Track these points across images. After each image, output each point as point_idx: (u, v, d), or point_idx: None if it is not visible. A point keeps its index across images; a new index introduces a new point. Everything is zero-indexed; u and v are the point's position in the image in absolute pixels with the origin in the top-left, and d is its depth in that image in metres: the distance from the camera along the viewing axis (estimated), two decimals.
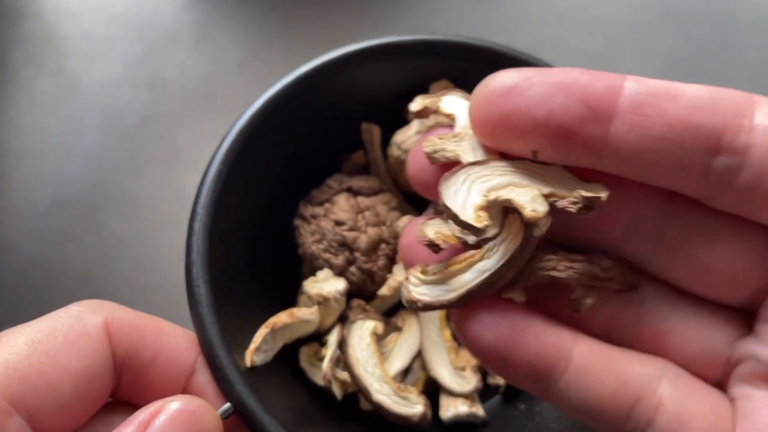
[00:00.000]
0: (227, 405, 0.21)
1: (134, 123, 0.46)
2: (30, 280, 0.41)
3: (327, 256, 0.29)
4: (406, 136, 0.31)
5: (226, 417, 0.21)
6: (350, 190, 0.31)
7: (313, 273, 0.30)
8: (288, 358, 0.29)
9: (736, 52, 0.47)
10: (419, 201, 0.34)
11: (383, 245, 0.30)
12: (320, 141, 0.31)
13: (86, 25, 0.50)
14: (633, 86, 0.15)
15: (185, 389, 0.21)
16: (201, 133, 0.45)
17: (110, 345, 0.19)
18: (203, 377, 0.22)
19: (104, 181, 0.44)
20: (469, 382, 0.29)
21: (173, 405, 0.18)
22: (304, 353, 0.30)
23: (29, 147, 0.45)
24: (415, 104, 0.18)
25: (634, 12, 0.49)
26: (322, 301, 0.28)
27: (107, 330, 0.19)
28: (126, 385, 0.20)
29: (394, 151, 0.31)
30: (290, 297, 0.33)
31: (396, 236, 0.30)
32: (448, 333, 0.30)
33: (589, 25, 0.49)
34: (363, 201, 0.31)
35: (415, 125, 0.31)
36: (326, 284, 0.29)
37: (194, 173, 0.45)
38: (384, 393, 0.26)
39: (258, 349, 0.25)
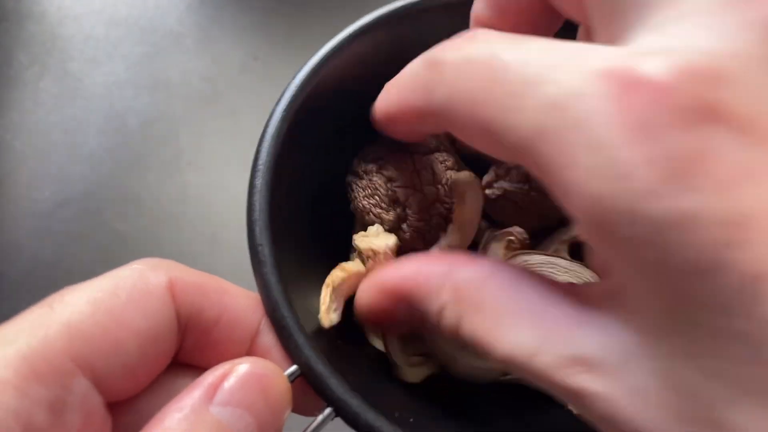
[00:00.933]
0: (294, 367, 0.20)
1: (137, 124, 0.46)
2: (33, 280, 0.41)
3: (378, 211, 0.28)
4: None
5: (292, 380, 0.20)
6: (405, 148, 0.30)
7: (364, 229, 0.29)
8: (348, 321, 0.29)
9: None
10: (477, 161, 0.33)
11: (437, 204, 0.29)
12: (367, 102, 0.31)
13: (89, 26, 0.51)
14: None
15: (250, 351, 0.21)
16: (203, 134, 0.46)
17: (174, 304, 0.19)
18: (268, 339, 0.21)
19: (107, 181, 0.44)
20: None
21: (242, 367, 0.17)
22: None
23: (33, 148, 0.46)
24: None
25: None
26: (372, 256, 0.28)
27: (170, 289, 0.19)
28: (190, 347, 0.20)
29: None
30: (349, 256, 0.32)
31: (451, 196, 0.29)
32: None
33: None
34: (419, 159, 0.30)
35: None
36: (376, 239, 0.28)
37: (197, 174, 0.45)
38: None
39: (328, 309, 0.24)
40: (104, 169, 0.45)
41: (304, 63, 0.27)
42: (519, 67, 0.13)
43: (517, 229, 0.29)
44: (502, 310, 0.15)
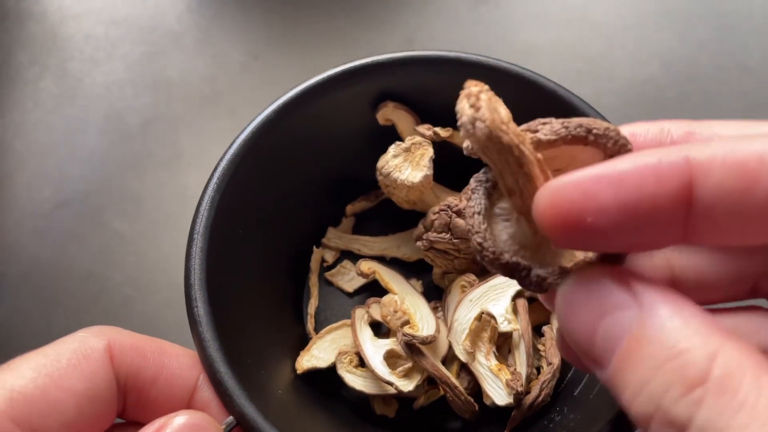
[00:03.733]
0: (230, 418, 0.22)
1: (137, 124, 0.46)
2: (33, 280, 0.41)
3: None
4: (384, 162, 0.32)
5: (229, 430, 0.22)
6: None
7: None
8: (290, 369, 0.31)
9: (733, 53, 0.47)
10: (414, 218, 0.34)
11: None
12: (311, 164, 0.33)
13: (89, 26, 0.51)
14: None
15: (190, 406, 0.22)
16: (203, 134, 0.46)
17: (113, 366, 0.20)
18: (206, 393, 0.23)
19: (107, 181, 0.44)
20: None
21: (178, 420, 0.19)
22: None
23: (33, 147, 0.46)
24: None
25: (631, 13, 0.50)
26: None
27: (109, 352, 0.20)
28: (132, 405, 0.21)
29: (377, 176, 0.32)
30: (295, 307, 0.34)
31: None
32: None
33: (587, 26, 0.49)
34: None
35: (391, 150, 0.31)
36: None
37: (197, 174, 0.45)
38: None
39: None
40: (104, 169, 0.45)
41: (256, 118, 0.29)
42: None
43: (471, 276, 0.32)
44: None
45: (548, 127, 0.15)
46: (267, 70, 0.48)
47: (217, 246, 0.26)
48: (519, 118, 0.15)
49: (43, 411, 0.18)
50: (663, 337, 0.13)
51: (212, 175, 0.27)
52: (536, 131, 0.15)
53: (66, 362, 0.19)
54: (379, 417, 0.31)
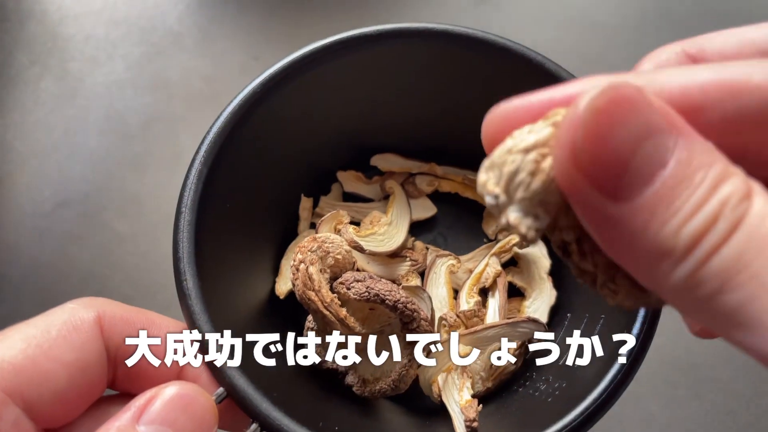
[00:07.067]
0: (220, 389, 0.22)
1: (137, 124, 0.47)
2: (34, 280, 0.41)
3: None
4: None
5: (220, 401, 0.22)
6: None
7: None
8: (281, 335, 0.31)
9: None
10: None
11: None
12: (299, 137, 0.33)
13: (90, 27, 0.51)
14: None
15: (180, 377, 0.23)
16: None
17: (102, 337, 0.21)
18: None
19: (108, 181, 0.44)
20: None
21: (168, 390, 0.19)
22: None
23: (33, 148, 0.46)
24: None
25: (631, 13, 0.50)
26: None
27: (99, 323, 0.21)
28: (122, 376, 0.22)
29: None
30: (274, 287, 0.34)
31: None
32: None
33: (588, 26, 0.49)
34: None
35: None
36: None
37: None
38: None
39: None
40: (104, 169, 0.45)
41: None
42: None
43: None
44: None
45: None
46: None
47: (206, 220, 0.26)
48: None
49: (34, 381, 0.18)
50: (711, 161, 0.12)
51: (199, 148, 0.27)
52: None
53: (56, 333, 0.19)
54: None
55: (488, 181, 0.14)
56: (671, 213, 0.12)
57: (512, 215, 0.13)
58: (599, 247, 0.13)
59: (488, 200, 0.14)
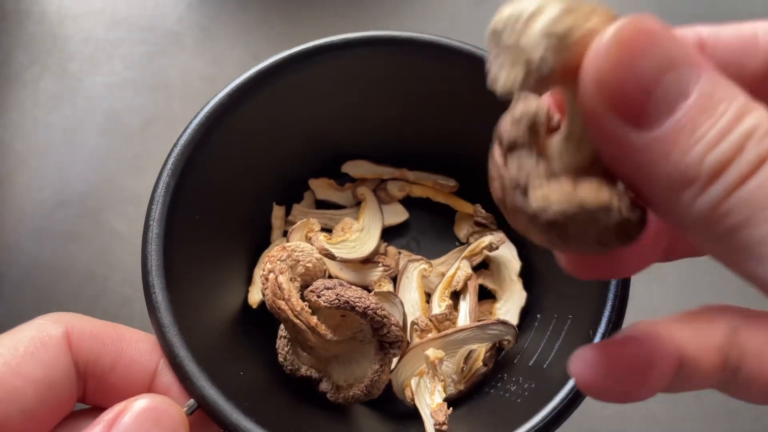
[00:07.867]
0: (191, 401, 0.22)
1: (137, 124, 0.46)
2: (33, 280, 0.41)
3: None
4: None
5: (191, 412, 0.22)
6: None
7: None
8: (254, 344, 0.31)
9: None
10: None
11: None
12: (269, 147, 0.33)
13: (89, 26, 0.51)
14: None
15: (151, 390, 0.23)
16: None
17: (71, 352, 0.21)
18: (167, 377, 0.23)
19: (107, 181, 0.44)
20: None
21: (138, 403, 0.19)
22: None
23: (33, 148, 0.46)
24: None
25: (631, 13, 0.50)
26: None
27: (68, 338, 0.21)
28: (92, 391, 0.22)
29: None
30: (247, 297, 0.34)
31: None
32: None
33: None
34: None
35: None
36: None
37: None
38: None
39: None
40: (104, 168, 0.45)
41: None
42: None
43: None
44: None
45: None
46: None
47: (175, 232, 0.26)
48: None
49: (2, 399, 0.18)
50: (733, 95, 0.12)
51: (166, 161, 0.27)
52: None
53: (23, 350, 0.19)
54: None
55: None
56: (695, 140, 0.12)
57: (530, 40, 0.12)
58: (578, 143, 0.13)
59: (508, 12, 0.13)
